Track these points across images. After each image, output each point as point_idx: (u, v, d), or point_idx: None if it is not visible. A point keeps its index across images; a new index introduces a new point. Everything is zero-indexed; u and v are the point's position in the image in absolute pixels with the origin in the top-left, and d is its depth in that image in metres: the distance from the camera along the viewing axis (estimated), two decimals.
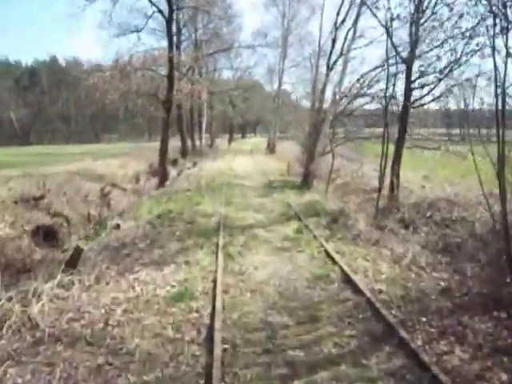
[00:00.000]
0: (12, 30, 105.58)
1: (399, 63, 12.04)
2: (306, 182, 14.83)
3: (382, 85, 13.77)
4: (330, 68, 17.04)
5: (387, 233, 9.06)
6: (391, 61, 11.95)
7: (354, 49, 15.55)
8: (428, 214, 10.61)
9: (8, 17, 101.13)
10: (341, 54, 16.96)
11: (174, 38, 27.27)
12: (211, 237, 8.30)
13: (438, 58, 11.33)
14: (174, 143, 33.22)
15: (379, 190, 11.23)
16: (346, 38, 16.37)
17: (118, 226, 9.93)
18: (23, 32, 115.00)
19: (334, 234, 8.74)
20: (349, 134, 15.37)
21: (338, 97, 14.65)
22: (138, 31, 20.16)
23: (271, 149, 36.27)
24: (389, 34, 11.48)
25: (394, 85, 11.46)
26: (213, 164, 25.18)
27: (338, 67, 17.66)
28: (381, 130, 12.89)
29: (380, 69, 14.89)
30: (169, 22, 18.20)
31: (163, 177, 17.29)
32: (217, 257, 6.90)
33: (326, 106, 17.54)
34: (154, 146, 37.05)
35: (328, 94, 16.37)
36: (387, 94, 11.40)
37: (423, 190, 13.35)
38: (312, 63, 20.92)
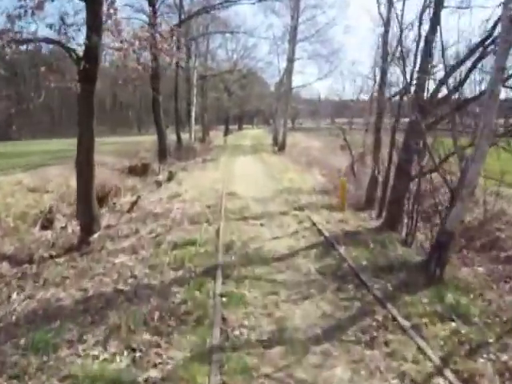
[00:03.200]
0: None
1: None
2: (438, 264, 5.10)
3: None
4: None
5: None
6: None
7: None
8: None
9: None
10: None
11: None
12: None
13: None
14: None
15: None
16: None
17: None
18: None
19: None
20: None
21: None
22: None
23: (280, 146, 26.18)
24: None
25: None
26: (201, 175, 14.89)
27: None
28: None
29: None
30: None
31: (86, 227, 7.43)
32: None
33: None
34: (133, 140, 26.91)
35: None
36: None
37: None
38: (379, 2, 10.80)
